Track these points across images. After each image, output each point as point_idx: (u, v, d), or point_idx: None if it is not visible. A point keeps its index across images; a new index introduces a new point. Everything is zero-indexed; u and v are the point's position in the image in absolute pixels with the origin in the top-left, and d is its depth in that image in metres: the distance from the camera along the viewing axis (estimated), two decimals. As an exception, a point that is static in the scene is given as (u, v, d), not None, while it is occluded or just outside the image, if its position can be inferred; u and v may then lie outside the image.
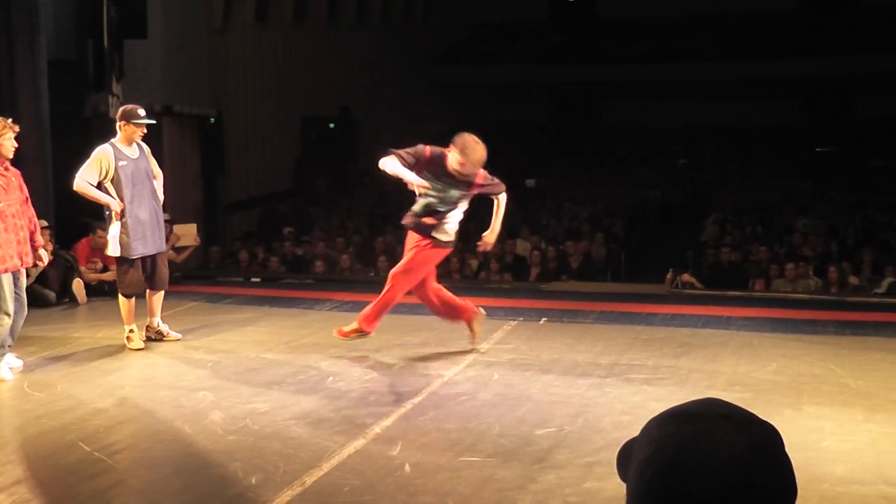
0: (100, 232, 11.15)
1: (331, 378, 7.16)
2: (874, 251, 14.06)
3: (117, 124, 8.25)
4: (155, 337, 8.53)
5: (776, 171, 22.29)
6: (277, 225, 17.82)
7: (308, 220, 18.64)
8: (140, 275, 8.32)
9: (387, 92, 24.28)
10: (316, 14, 21.25)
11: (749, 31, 26.92)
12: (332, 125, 22.44)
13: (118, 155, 8.12)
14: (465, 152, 7.39)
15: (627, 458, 1.36)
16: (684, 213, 19.36)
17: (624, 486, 1.37)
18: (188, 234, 12.47)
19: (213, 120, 17.03)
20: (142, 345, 8.27)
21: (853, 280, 13.05)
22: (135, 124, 8.18)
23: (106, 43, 13.54)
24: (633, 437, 1.39)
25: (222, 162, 17.56)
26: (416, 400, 6.55)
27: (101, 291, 11.08)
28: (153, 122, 8.66)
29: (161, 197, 8.53)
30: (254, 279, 13.41)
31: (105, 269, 11.19)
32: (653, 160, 24.50)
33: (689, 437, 1.26)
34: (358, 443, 5.59)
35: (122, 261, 8.25)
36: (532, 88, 28.05)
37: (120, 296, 8.32)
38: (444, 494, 4.83)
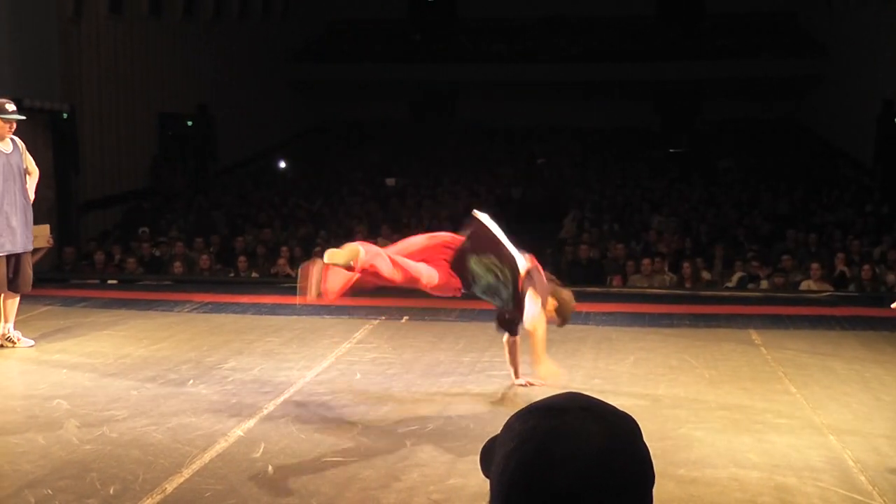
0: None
1: (191, 381, 7.02)
2: (725, 247, 14.57)
3: None
4: (4, 344, 8.18)
5: (632, 170, 22.86)
6: (139, 225, 17.39)
7: (170, 219, 18.22)
8: (4, 274, 8.00)
9: (245, 89, 23.95)
10: (172, 7, 20.80)
11: (606, 34, 27.57)
12: (190, 122, 22.01)
13: None
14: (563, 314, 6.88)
15: (491, 454, 1.37)
16: (543, 212, 19.67)
17: (487, 481, 1.38)
18: (41, 235, 11.94)
19: (65, 115, 16.46)
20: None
21: (706, 275, 13.48)
22: (3, 119, 7.87)
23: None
24: (496, 434, 1.41)
25: (76, 159, 17.00)
26: (279, 401, 6.49)
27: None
28: (23, 117, 8.29)
29: (32, 196, 8.25)
30: (110, 281, 13.03)
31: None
32: (512, 159, 24.82)
33: (550, 431, 1.27)
34: (220, 447, 5.50)
35: None
36: (391, 87, 28.08)
37: None
38: (308, 495, 4.80)
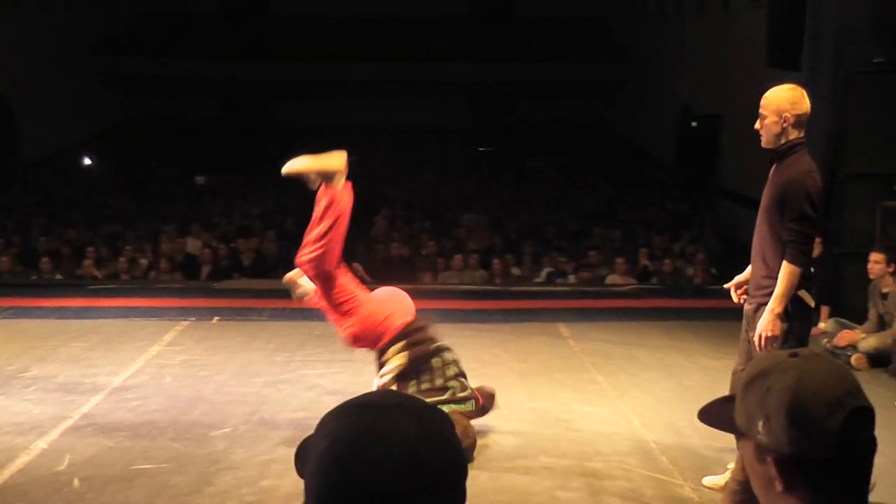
0: None
1: (-11, 392, 6.68)
2: (534, 244, 14.92)
3: None
4: None
5: (443, 169, 23.14)
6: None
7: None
8: None
9: (49, 80, 22.88)
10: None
11: (418, 34, 27.78)
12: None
13: None
14: None
15: (305, 454, 1.36)
16: (356, 210, 19.63)
17: (302, 481, 1.37)
18: None
19: None
20: None
21: (515, 271, 13.77)
22: None
23: None
24: (310, 434, 1.40)
25: None
26: (85, 409, 6.25)
27: None
28: None
29: None
30: None
31: None
32: (326, 157, 24.71)
33: (363, 428, 1.27)
34: (21, 461, 5.26)
35: None
36: (201, 83, 27.49)
37: None
38: (115, 505, 4.66)
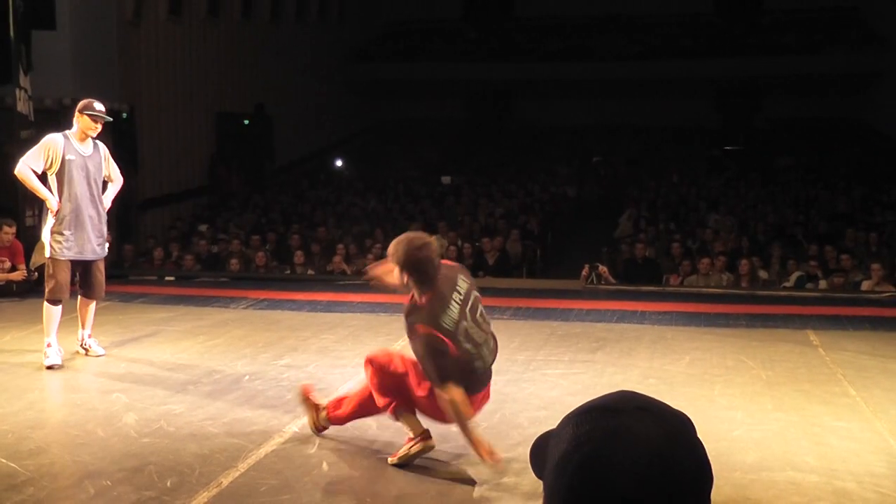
0: (6, 228, 10.79)
1: (246, 377, 7.09)
2: (782, 246, 14.37)
3: (74, 115, 7.65)
4: (79, 350, 7.89)
5: (688, 168, 22.67)
6: (197, 222, 17.61)
7: (227, 217, 18.42)
8: (68, 279, 7.63)
9: (302, 89, 24.13)
10: (230, 9, 21.03)
11: (663, 32, 27.37)
12: (247, 122, 22.22)
13: (67, 147, 7.54)
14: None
15: (543, 453, 1.35)
16: (599, 210, 19.60)
17: (540, 480, 1.37)
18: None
19: (125, 115, 16.68)
20: (58, 361, 7.46)
21: (763, 274, 13.31)
22: (89, 116, 7.54)
23: (12, 33, 12.85)
24: (545, 431, 1.39)
25: (135, 158, 17.22)
26: (333, 398, 6.50)
27: (9, 292, 10.62)
28: (110, 119, 7.87)
29: (108, 204, 7.91)
30: (168, 278, 13.20)
31: (13, 269, 10.80)
32: (567, 157, 24.73)
33: (607, 431, 1.25)
34: (275, 442, 5.54)
35: (52, 262, 7.58)
36: (446, 86, 28.12)
37: (44, 302, 7.60)
38: (362, 493, 4.82)
